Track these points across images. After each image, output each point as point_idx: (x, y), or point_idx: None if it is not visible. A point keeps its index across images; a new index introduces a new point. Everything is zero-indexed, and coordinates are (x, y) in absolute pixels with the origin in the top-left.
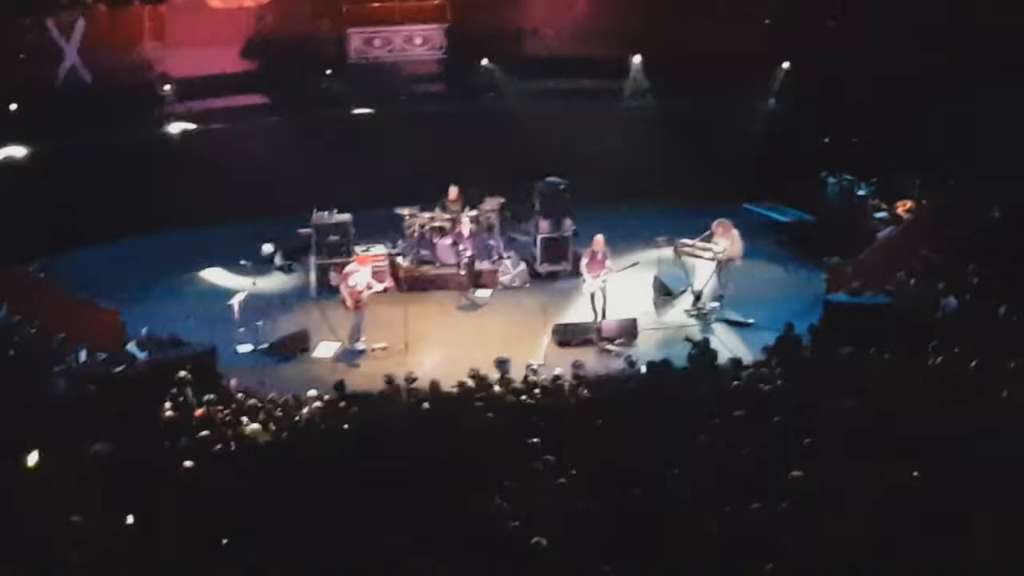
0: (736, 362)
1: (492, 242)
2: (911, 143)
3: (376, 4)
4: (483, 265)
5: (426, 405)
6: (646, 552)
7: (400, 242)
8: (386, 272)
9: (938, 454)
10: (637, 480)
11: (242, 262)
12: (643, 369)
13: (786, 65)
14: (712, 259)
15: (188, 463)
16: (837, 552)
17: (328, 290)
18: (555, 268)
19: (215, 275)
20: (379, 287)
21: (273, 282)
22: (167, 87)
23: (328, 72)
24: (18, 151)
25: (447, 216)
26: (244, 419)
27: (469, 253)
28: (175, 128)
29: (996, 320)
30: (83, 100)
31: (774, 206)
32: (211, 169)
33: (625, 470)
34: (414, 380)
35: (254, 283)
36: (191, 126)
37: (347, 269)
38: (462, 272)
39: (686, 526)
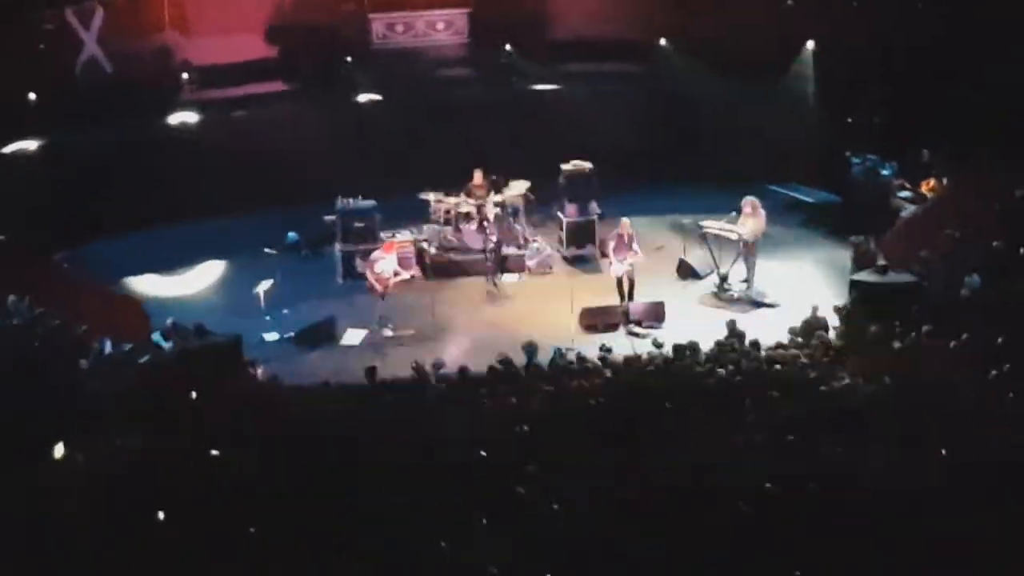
0: (756, 344)
1: (518, 227)
2: (934, 122)
3: None
4: (509, 250)
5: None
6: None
7: (426, 228)
8: (412, 259)
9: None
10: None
11: (266, 249)
12: (669, 352)
13: (810, 45)
14: (737, 240)
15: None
16: (860, 534)
17: (354, 277)
18: (581, 252)
19: (239, 263)
20: (406, 275)
21: (298, 269)
22: (187, 75)
23: (350, 58)
24: (39, 142)
25: (472, 201)
26: None
27: (495, 239)
28: (197, 116)
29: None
30: (103, 90)
31: (798, 186)
32: (234, 157)
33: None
34: (442, 366)
35: (279, 272)
36: (213, 114)
37: (373, 256)
38: (488, 258)
39: (717, 509)
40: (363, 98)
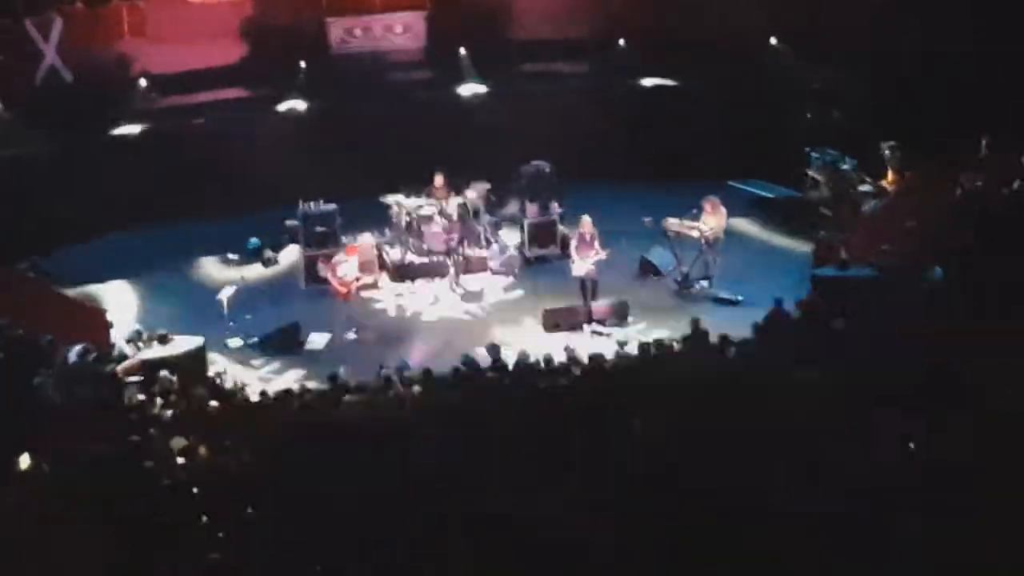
0: (725, 339)
1: (479, 228)
2: (893, 116)
3: None
4: (471, 251)
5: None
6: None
7: (387, 231)
8: (375, 262)
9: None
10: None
11: (229, 255)
12: (634, 350)
13: (773, 41)
14: (699, 237)
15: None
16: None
17: (316, 281)
18: (544, 252)
19: (202, 269)
20: (369, 278)
21: (261, 275)
22: (146, 83)
23: (309, 63)
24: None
25: (433, 204)
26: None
27: (457, 237)
28: (157, 124)
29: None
30: (64, 98)
31: (758, 182)
32: (195, 164)
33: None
34: (407, 369)
35: (242, 278)
36: (173, 121)
37: (335, 259)
38: (450, 261)
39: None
40: (323, 103)
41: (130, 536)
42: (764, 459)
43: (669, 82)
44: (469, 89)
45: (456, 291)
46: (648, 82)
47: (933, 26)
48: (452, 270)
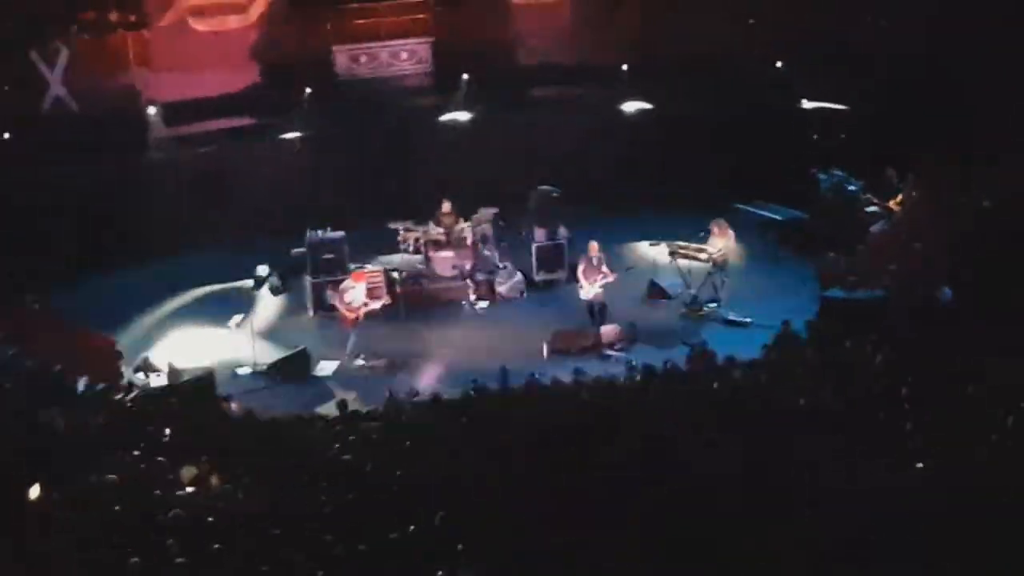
0: (732, 361)
1: (488, 253)
2: (902, 138)
3: (360, 21)
4: (480, 276)
5: None
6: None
7: (395, 258)
8: (382, 288)
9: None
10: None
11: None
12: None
13: (779, 64)
14: (707, 260)
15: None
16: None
17: (324, 308)
18: (552, 276)
19: (210, 298)
20: (376, 304)
21: (269, 304)
22: (154, 112)
23: (314, 91)
24: (7, 181)
25: (441, 230)
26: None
27: (471, 264)
28: (164, 153)
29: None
30: (70, 129)
31: (766, 205)
32: (203, 193)
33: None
34: (416, 395)
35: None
36: (180, 150)
37: (342, 286)
38: (466, 283)
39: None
40: (328, 130)
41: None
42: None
43: (675, 106)
44: (475, 115)
45: (478, 312)
46: (654, 106)
47: (940, 47)
48: (471, 296)
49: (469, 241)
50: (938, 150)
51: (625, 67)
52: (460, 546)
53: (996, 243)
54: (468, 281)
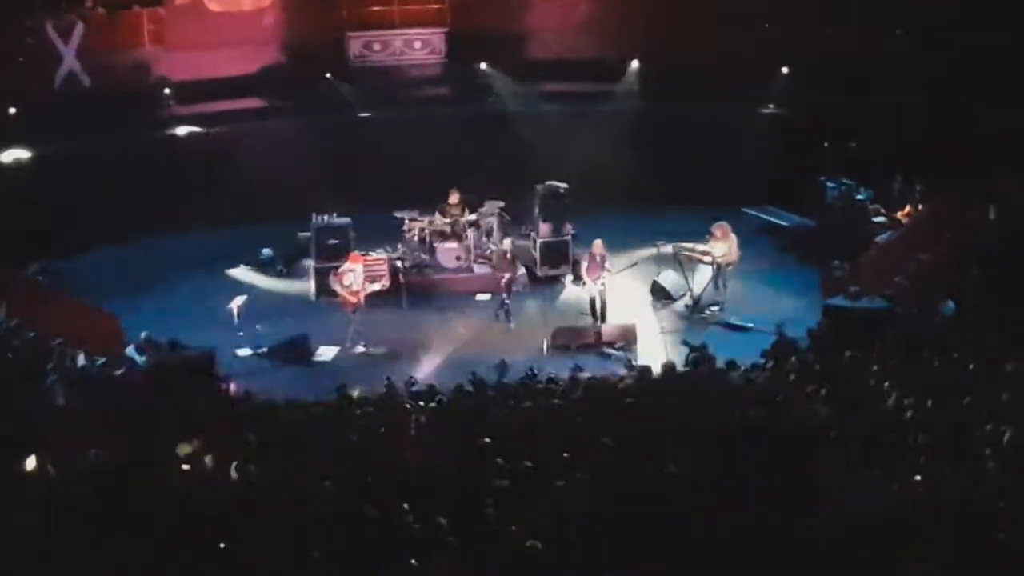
0: (732, 365)
1: (492, 246)
2: (909, 148)
3: (375, 8)
4: (482, 270)
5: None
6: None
7: (400, 246)
8: (383, 273)
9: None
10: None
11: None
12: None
13: (785, 70)
14: (710, 263)
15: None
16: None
17: (327, 293)
18: (555, 272)
19: (214, 278)
20: (376, 286)
21: (273, 286)
22: (166, 90)
23: (328, 76)
24: (18, 154)
25: (447, 220)
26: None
27: (507, 276)
28: (175, 132)
29: (995, 322)
30: (82, 104)
31: (773, 210)
32: (211, 173)
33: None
34: (414, 384)
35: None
36: (191, 129)
37: (341, 268)
38: (501, 297)
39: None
40: (339, 116)
41: (136, 542)
42: (767, 486)
43: (685, 106)
44: (487, 106)
45: (504, 325)
46: (663, 105)
47: (951, 61)
48: (503, 312)
49: (506, 257)
50: (950, 163)
51: (635, 64)
52: (441, 536)
53: (1000, 257)
54: (502, 293)
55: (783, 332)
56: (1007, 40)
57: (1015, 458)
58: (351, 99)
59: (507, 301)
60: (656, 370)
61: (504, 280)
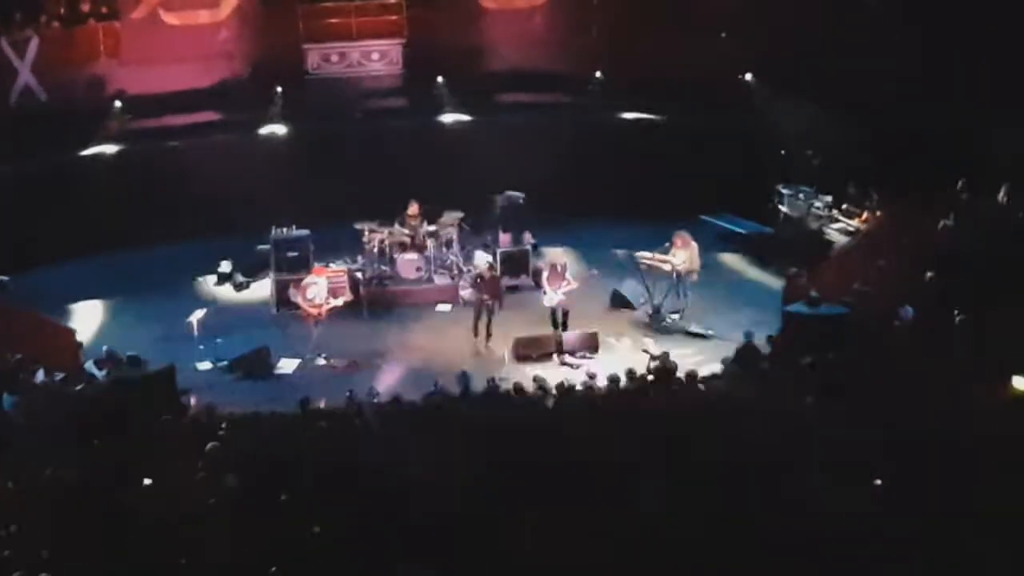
0: (694, 374)
1: (452, 257)
2: (868, 156)
3: (333, 20)
4: (442, 280)
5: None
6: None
7: (359, 258)
8: (345, 286)
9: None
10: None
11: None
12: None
13: (748, 77)
14: (671, 271)
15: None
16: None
17: (288, 306)
18: (515, 282)
19: (174, 292)
20: (339, 301)
21: (232, 299)
22: (120, 104)
23: (285, 88)
24: None
25: (406, 231)
26: None
27: (486, 298)
28: (131, 146)
29: (952, 327)
30: (38, 118)
31: (731, 218)
32: (168, 187)
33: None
34: (376, 395)
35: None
36: (148, 144)
37: (304, 282)
38: (481, 314)
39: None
40: (297, 128)
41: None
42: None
43: (644, 116)
44: (445, 118)
45: (483, 350)
46: (623, 115)
47: (912, 67)
48: (482, 335)
49: (487, 275)
50: (909, 169)
51: (598, 74)
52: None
53: (957, 263)
54: (484, 311)
55: (751, 339)
56: (968, 48)
57: (972, 461)
58: (308, 111)
59: (492, 317)
60: (622, 379)
61: (490, 301)
